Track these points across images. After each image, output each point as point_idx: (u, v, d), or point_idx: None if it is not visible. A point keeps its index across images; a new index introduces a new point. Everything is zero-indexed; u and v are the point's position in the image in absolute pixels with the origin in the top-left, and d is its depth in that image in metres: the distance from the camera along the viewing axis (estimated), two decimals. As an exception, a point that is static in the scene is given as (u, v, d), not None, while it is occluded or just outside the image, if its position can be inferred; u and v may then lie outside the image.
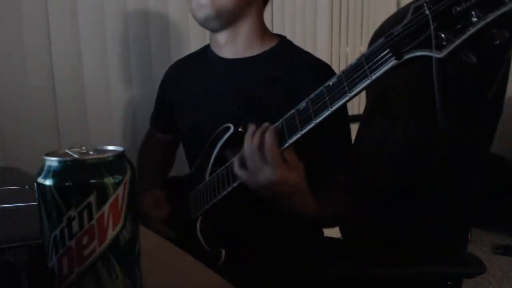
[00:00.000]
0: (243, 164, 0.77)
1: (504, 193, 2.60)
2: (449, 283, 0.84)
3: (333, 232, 1.16)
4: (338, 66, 2.27)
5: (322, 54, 2.11)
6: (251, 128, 0.77)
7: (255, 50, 0.99)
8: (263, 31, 1.01)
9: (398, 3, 2.48)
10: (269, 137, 0.73)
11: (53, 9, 1.36)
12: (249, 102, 0.95)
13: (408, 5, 1.04)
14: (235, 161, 0.78)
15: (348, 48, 2.34)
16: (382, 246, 0.98)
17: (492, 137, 0.82)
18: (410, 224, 0.90)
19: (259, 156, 0.73)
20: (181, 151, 1.20)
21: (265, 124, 0.76)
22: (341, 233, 1.21)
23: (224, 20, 0.95)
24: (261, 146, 0.74)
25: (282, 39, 1.02)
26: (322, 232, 1.10)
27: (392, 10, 2.37)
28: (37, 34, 1.35)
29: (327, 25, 2.17)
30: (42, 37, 1.35)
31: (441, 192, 0.87)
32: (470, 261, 0.83)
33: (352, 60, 2.43)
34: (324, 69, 0.98)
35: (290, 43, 1.03)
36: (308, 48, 1.04)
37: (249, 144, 0.76)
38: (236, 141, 0.83)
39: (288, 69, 0.96)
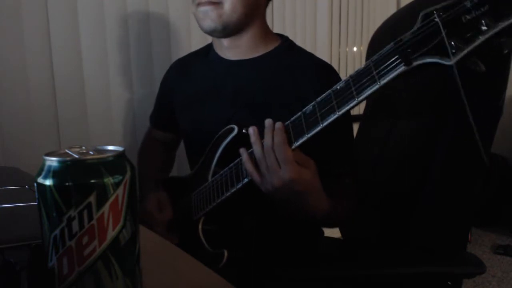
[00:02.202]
0: (255, 167, 0.76)
1: (504, 193, 2.60)
2: (449, 283, 0.84)
3: (333, 232, 1.16)
4: (338, 66, 2.27)
5: (322, 54, 2.11)
6: (252, 130, 0.76)
7: (258, 51, 0.99)
8: (266, 33, 1.01)
9: (398, 3, 2.48)
10: (279, 137, 0.72)
11: (53, 9, 1.36)
12: (251, 103, 0.95)
13: (409, 5, 1.05)
14: (248, 164, 0.77)
15: (348, 48, 2.34)
16: (382, 246, 0.98)
17: (492, 137, 0.82)
18: (410, 224, 0.90)
19: (273, 157, 0.73)
20: (181, 151, 1.20)
21: (269, 123, 0.75)
22: (341, 232, 1.21)
23: (230, 30, 0.95)
24: (273, 147, 0.73)
25: (284, 39, 1.02)
26: (323, 232, 1.10)
27: (392, 10, 2.38)
28: (37, 34, 1.35)
29: (327, 25, 2.18)
30: (42, 37, 1.36)
31: (441, 192, 0.87)
32: (470, 261, 0.84)
33: (352, 60, 2.43)
34: (327, 70, 0.98)
35: (292, 43, 1.03)
36: (308, 48, 1.04)
37: (259, 147, 0.75)
38: (240, 143, 0.82)
39: (290, 70, 0.95)
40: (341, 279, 0.85)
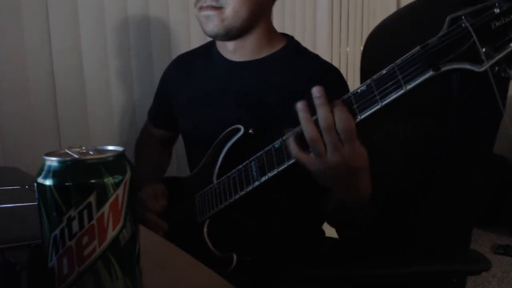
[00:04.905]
0: (312, 144, 0.68)
1: (504, 193, 2.60)
2: (454, 280, 0.84)
3: (335, 233, 1.16)
4: (339, 66, 2.27)
5: (322, 54, 2.10)
6: (301, 105, 0.68)
7: (263, 53, 0.98)
8: (271, 34, 1.00)
9: (398, 3, 2.49)
10: (345, 112, 0.65)
11: (53, 9, 1.36)
12: (254, 104, 0.94)
13: (409, 6, 1.05)
14: (293, 146, 0.70)
15: (348, 48, 2.34)
16: (386, 246, 0.98)
17: (494, 136, 0.82)
18: (413, 223, 0.90)
19: (335, 134, 0.65)
20: (181, 151, 1.19)
21: (318, 92, 0.66)
22: (337, 233, 1.19)
23: (233, 34, 0.94)
24: (334, 123, 0.65)
25: (289, 40, 1.02)
26: (324, 232, 1.10)
27: (392, 10, 2.38)
28: (37, 34, 1.35)
29: (327, 25, 2.17)
30: (42, 37, 1.35)
31: (444, 191, 0.87)
32: (475, 258, 0.84)
33: (352, 60, 2.42)
34: (332, 73, 0.97)
35: (297, 44, 1.02)
36: (308, 48, 1.04)
37: (310, 123, 0.67)
38: (246, 143, 0.82)
39: (295, 72, 0.95)
40: (347, 279, 0.84)
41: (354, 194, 0.75)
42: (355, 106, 0.65)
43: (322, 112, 0.65)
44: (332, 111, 0.65)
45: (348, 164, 0.67)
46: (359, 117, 0.65)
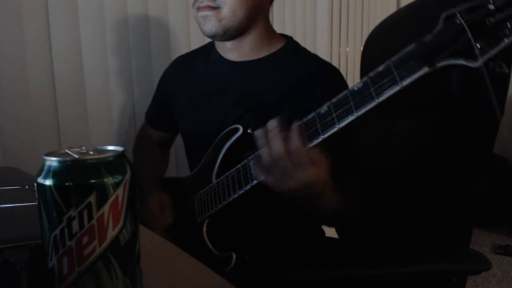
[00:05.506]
0: (266, 170, 0.72)
1: (504, 193, 2.60)
2: (455, 280, 0.84)
3: (335, 233, 1.16)
4: (338, 66, 2.27)
5: (322, 54, 2.10)
6: (259, 133, 0.72)
7: (262, 53, 0.98)
8: (270, 34, 1.00)
9: (398, 3, 2.49)
10: (296, 141, 0.68)
11: (53, 9, 1.36)
12: (254, 104, 0.95)
13: (409, 6, 1.05)
14: (256, 167, 0.74)
15: (348, 48, 2.34)
16: (385, 246, 0.98)
17: (494, 136, 0.82)
18: (413, 223, 0.90)
19: (288, 160, 0.68)
20: (181, 151, 1.19)
21: (274, 125, 0.70)
22: (337, 232, 1.20)
23: (231, 34, 0.94)
24: (287, 150, 0.68)
25: (288, 40, 1.02)
26: (324, 232, 1.10)
27: (392, 10, 2.38)
28: (37, 34, 1.35)
29: (327, 25, 2.17)
30: (42, 37, 1.35)
31: (444, 191, 0.87)
32: (475, 258, 0.84)
33: (352, 60, 2.42)
34: (332, 73, 0.97)
35: (296, 44, 1.02)
36: (308, 48, 1.04)
37: (269, 151, 0.70)
38: (245, 143, 0.82)
39: (295, 72, 0.95)
40: (347, 279, 0.84)
41: (323, 207, 0.80)
42: (351, 103, 0.66)
43: (272, 143, 0.69)
44: (283, 141, 0.68)
45: (305, 188, 0.70)
46: (355, 113, 0.66)
